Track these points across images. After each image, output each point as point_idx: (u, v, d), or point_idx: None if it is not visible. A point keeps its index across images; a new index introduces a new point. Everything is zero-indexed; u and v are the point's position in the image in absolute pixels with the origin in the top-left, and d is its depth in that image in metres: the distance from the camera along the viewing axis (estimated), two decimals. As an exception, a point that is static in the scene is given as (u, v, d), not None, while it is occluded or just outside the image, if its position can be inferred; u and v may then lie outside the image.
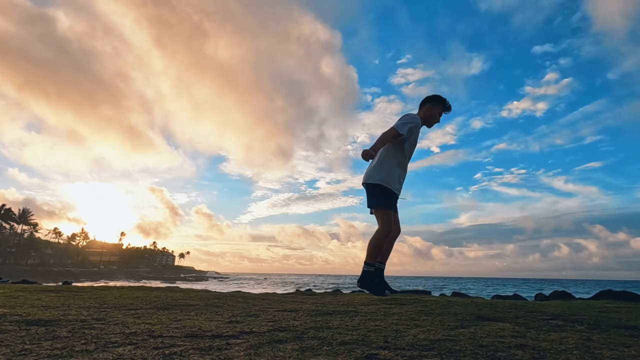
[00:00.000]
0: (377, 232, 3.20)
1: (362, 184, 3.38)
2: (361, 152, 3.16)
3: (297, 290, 4.92)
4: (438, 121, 3.34)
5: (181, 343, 1.22)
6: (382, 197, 3.19)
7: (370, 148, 3.13)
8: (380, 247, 3.20)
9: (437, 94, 3.36)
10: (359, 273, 3.28)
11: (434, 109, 3.27)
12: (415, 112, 3.31)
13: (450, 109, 3.36)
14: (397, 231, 3.40)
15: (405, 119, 3.15)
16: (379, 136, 3.14)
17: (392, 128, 3.12)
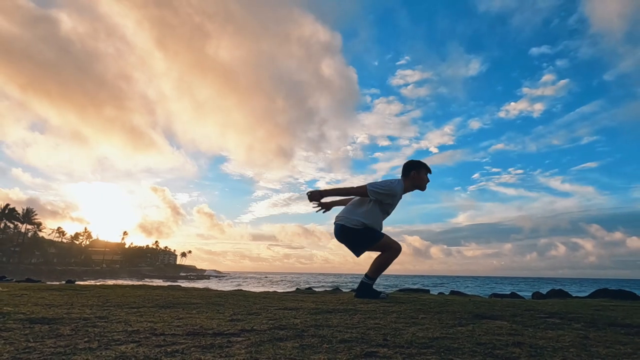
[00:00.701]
0: (388, 252, 3.05)
1: (339, 225, 3.13)
2: (308, 191, 3.12)
3: (297, 288, 4.92)
4: (428, 181, 3.37)
5: (183, 341, 1.22)
6: (373, 233, 3.07)
7: (322, 190, 3.11)
8: (387, 266, 3.09)
9: (416, 160, 3.37)
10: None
11: (420, 173, 3.30)
12: (399, 175, 3.28)
13: (430, 170, 3.38)
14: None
15: (383, 188, 3.09)
16: (341, 185, 3.09)
17: (364, 187, 3.05)
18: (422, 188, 3.35)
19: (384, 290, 3.45)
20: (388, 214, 3.29)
